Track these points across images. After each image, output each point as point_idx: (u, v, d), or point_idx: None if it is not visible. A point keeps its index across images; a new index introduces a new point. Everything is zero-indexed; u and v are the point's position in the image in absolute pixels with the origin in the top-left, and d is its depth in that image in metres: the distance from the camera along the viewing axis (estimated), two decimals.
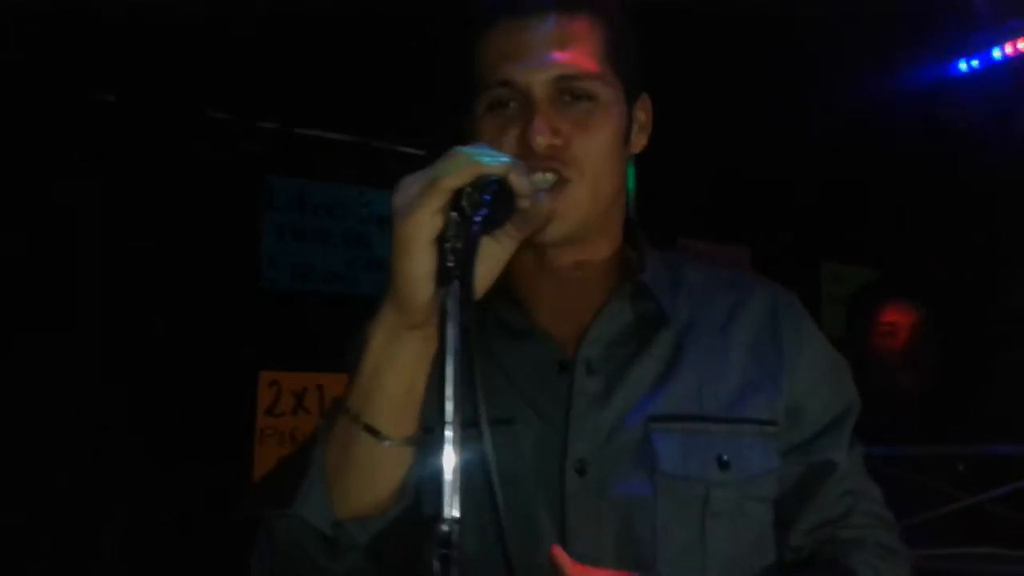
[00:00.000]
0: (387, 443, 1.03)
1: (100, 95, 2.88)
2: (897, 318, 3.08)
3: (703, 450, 1.15)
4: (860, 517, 1.23)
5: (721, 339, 1.23)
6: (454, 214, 0.94)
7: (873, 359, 3.12)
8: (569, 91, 1.16)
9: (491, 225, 0.96)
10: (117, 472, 2.89)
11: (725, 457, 1.15)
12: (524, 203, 0.98)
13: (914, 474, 2.61)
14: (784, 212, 4.62)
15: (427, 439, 1.03)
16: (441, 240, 0.95)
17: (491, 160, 0.95)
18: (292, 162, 3.33)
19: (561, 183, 1.15)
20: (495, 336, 1.23)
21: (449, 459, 0.88)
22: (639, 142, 1.30)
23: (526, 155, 1.11)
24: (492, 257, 1.02)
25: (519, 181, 0.96)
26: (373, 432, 1.03)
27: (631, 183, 3.45)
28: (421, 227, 0.94)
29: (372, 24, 2.84)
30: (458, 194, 0.94)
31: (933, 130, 3.84)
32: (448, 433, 0.89)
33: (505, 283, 1.22)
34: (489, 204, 0.93)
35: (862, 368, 3.13)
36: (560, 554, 1.00)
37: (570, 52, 1.15)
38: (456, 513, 0.87)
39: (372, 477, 1.05)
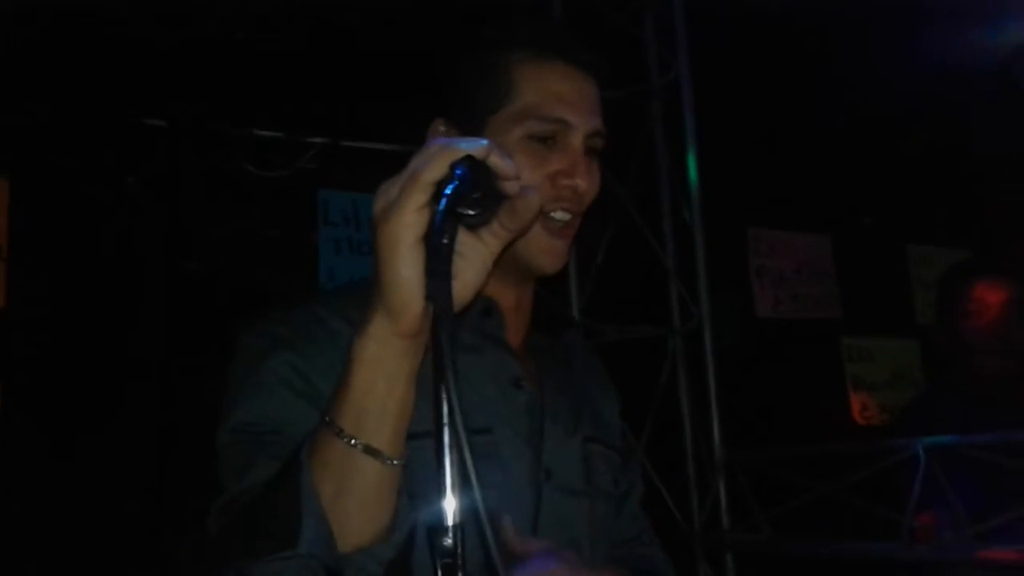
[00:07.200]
0: (390, 463, 0.96)
1: (150, 120, 2.92)
2: (985, 296, 2.85)
3: None
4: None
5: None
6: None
7: (962, 342, 2.90)
8: (592, 146, 1.28)
9: (476, 209, 0.91)
10: (185, 486, 2.91)
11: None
12: (508, 186, 0.93)
13: (1017, 460, 2.43)
14: (864, 196, 4.45)
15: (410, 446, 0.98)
16: (427, 239, 0.90)
17: (467, 144, 0.91)
18: (343, 176, 3.33)
19: (572, 223, 1.27)
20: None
21: (449, 467, 0.85)
22: None
23: (552, 189, 1.23)
24: (477, 258, 0.96)
25: (498, 161, 0.92)
26: (374, 453, 0.95)
27: (693, 174, 3.39)
28: (406, 227, 0.89)
29: (418, 36, 2.82)
30: (440, 188, 0.89)
31: (1015, 102, 3.66)
32: (446, 440, 0.85)
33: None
34: (462, 178, 0.88)
35: (952, 353, 2.93)
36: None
37: (599, 112, 1.29)
38: (458, 521, 0.84)
39: (374, 502, 0.97)
